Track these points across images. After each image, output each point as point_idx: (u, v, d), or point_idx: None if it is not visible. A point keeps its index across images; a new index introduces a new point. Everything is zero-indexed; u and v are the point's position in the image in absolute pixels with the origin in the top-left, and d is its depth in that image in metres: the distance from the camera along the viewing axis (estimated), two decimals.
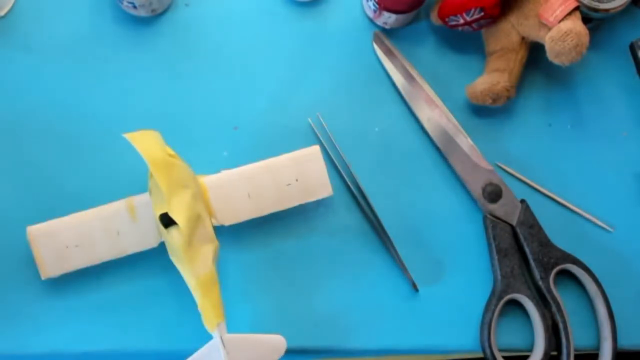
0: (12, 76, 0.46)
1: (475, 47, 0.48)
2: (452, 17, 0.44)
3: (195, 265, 0.37)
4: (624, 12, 0.45)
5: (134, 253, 0.41)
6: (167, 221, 0.37)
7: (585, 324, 0.45)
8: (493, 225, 0.44)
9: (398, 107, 0.47)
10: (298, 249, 0.44)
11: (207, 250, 0.38)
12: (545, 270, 0.44)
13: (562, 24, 0.41)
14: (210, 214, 0.41)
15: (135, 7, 0.46)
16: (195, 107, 0.46)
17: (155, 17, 0.48)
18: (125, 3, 0.45)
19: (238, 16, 0.48)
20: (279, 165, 0.42)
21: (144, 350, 0.43)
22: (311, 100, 0.47)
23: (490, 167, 0.46)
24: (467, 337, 0.44)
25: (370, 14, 0.48)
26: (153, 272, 0.43)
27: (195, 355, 0.38)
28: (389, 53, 0.47)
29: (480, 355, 0.43)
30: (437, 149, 0.46)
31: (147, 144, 0.38)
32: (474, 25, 0.44)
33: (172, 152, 0.40)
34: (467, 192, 0.46)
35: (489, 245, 0.45)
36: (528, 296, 0.43)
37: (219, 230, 0.41)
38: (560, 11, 0.41)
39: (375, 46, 0.48)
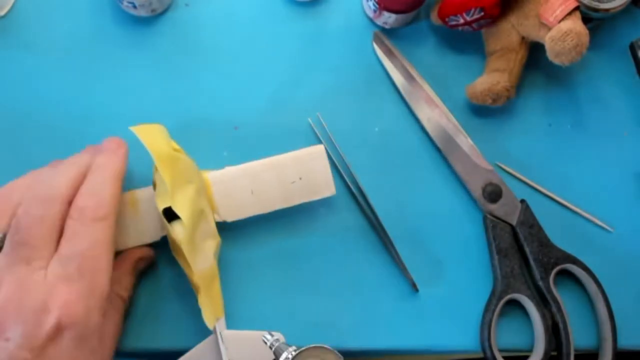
0: (12, 76, 0.46)
1: (475, 47, 0.48)
2: (452, 17, 0.44)
3: (196, 261, 0.37)
4: (624, 12, 0.45)
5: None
6: (170, 215, 0.37)
7: (585, 324, 0.45)
8: (493, 225, 0.44)
9: (398, 107, 0.47)
10: (298, 249, 0.44)
11: (209, 245, 0.38)
12: (545, 270, 0.44)
13: (562, 24, 0.41)
14: (213, 210, 0.41)
15: (135, 7, 0.46)
16: (195, 107, 0.46)
17: (155, 17, 0.48)
18: (125, 3, 0.45)
19: (238, 16, 0.48)
20: (283, 163, 0.42)
21: (143, 348, 0.42)
22: (311, 100, 0.47)
23: (490, 167, 0.46)
24: (467, 337, 0.44)
25: (370, 14, 0.48)
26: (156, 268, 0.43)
27: (193, 350, 0.38)
28: (389, 53, 0.47)
29: (480, 355, 0.43)
30: (437, 149, 0.46)
31: (152, 137, 0.38)
32: (474, 25, 0.44)
33: (177, 147, 0.40)
34: (467, 192, 0.46)
35: (489, 245, 0.45)
36: (528, 296, 0.43)
37: (220, 227, 0.41)
38: (560, 11, 0.41)
39: (375, 46, 0.48)
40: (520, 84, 0.47)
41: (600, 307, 0.44)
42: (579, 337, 0.43)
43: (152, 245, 0.41)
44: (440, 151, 0.46)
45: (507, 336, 0.44)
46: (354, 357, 0.44)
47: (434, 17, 0.47)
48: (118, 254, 0.40)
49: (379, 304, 0.44)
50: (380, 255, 0.45)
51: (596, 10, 0.45)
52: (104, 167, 0.37)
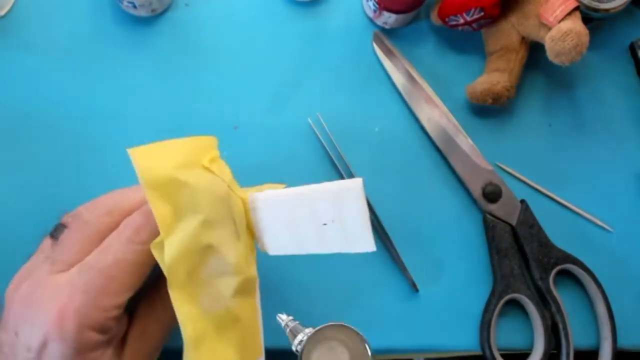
0: (12, 76, 0.46)
1: (475, 47, 0.48)
2: (452, 17, 0.44)
3: (199, 301, 0.32)
4: (624, 12, 0.45)
5: None
6: None
7: (585, 324, 0.45)
8: (493, 225, 0.44)
9: (398, 107, 0.47)
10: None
11: (224, 284, 0.32)
12: (545, 270, 0.44)
13: (562, 23, 0.41)
14: (255, 238, 0.34)
15: (135, 6, 0.46)
16: (195, 107, 0.46)
17: (155, 17, 0.48)
18: (125, 3, 0.45)
19: (238, 16, 0.48)
20: (314, 196, 0.32)
21: None
22: (311, 100, 0.47)
23: (490, 167, 0.46)
24: (466, 337, 0.44)
25: (370, 14, 0.48)
26: None
27: None
28: (389, 53, 0.47)
29: (480, 354, 0.43)
30: (437, 149, 0.46)
31: (152, 158, 0.32)
32: (474, 25, 0.44)
33: (208, 164, 0.33)
34: (467, 192, 0.46)
35: (489, 245, 0.45)
36: (528, 296, 0.43)
37: None
38: (560, 11, 0.41)
39: (375, 46, 0.48)
40: (520, 84, 0.47)
41: (600, 307, 0.44)
42: (578, 337, 0.43)
43: None
44: (440, 151, 0.46)
45: (506, 336, 0.44)
46: None
47: (434, 17, 0.47)
48: None
49: (379, 304, 0.44)
50: (380, 255, 0.45)
51: (596, 10, 0.45)
52: None
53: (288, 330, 0.31)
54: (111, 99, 0.46)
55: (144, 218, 0.33)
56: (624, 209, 0.47)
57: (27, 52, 0.46)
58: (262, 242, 0.34)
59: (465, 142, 0.46)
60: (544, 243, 0.44)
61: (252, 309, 0.34)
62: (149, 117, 0.46)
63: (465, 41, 0.48)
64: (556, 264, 0.44)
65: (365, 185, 0.45)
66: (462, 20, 0.44)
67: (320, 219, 0.32)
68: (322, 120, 0.46)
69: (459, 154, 0.46)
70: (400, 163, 0.46)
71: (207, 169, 0.33)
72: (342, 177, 0.45)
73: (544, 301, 0.43)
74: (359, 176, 0.45)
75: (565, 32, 0.40)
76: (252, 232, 0.34)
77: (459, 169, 0.46)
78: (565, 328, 0.43)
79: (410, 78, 0.47)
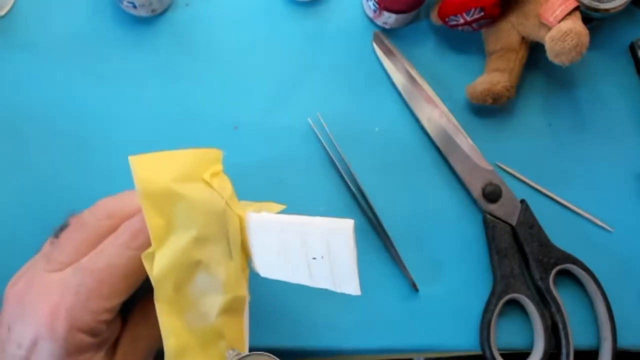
0: (12, 76, 0.46)
1: (476, 47, 0.48)
2: (452, 17, 0.44)
3: (183, 314, 0.32)
4: (624, 12, 0.45)
5: None
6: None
7: (585, 324, 0.45)
8: (493, 225, 0.44)
9: (398, 107, 0.47)
10: None
11: (212, 302, 0.32)
12: (545, 270, 0.44)
13: (562, 23, 0.41)
14: (249, 256, 0.34)
15: (135, 6, 0.46)
16: (195, 107, 0.46)
17: (155, 17, 0.48)
18: (125, 3, 0.45)
19: (238, 16, 0.48)
20: (305, 229, 0.31)
21: None
22: (311, 100, 0.47)
23: (490, 167, 0.46)
24: (467, 337, 0.44)
25: (370, 14, 0.48)
26: None
27: None
28: (389, 53, 0.47)
29: (480, 354, 0.43)
30: (437, 149, 0.46)
31: (152, 168, 0.31)
32: (474, 25, 0.44)
33: (209, 179, 0.33)
34: (467, 192, 0.46)
35: (489, 245, 0.45)
36: (528, 296, 0.43)
37: None
38: (560, 11, 0.41)
39: (375, 46, 0.48)
40: (520, 84, 0.47)
41: (600, 307, 0.44)
42: (578, 337, 0.43)
43: None
44: (440, 151, 0.46)
45: (506, 336, 0.44)
46: (354, 356, 0.45)
47: (434, 17, 0.47)
48: None
49: (379, 304, 0.44)
50: (380, 255, 0.45)
51: (596, 10, 0.45)
52: None
53: None
54: (111, 98, 0.46)
55: (142, 224, 0.32)
56: (624, 209, 0.47)
57: (27, 52, 0.46)
58: (254, 262, 0.34)
59: (465, 142, 0.46)
60: (544, 243, 0.44)
61: (239, 327, 0.34)
62: (149, 117, 0.46)
63: (465, 41, 0.48)
64: (556, 264, 0.44)
65: (365, 186, 0.45)
66: (462, 20, 0.44)
67: (310, 252, 0.31)
68: (322, 120, 0.46)
69: (459, 154, 0.46)
70: (400, 163, 0.46)
71: (207, 183, 0.33)
72: (342, 177, 0.45)
73: (544, 301, 0.43)
74: (359, 176, 0.45)
75: (565, 32, 0.40)
76: (246, 251, 0.33)
77: (459, 169, 0.46)
78: (565, 328, 0.43)
79: (410, 78, 0.47)
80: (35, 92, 0.46)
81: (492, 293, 0.44)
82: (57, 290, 0.31)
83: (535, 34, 0.43)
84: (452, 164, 0.46)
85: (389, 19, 0.47)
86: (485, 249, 0.45)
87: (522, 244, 0.44)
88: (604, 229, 0.46)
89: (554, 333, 0.43)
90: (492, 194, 0.45)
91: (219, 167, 0.34)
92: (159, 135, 0.46)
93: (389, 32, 0.48)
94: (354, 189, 0.45)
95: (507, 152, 0.47)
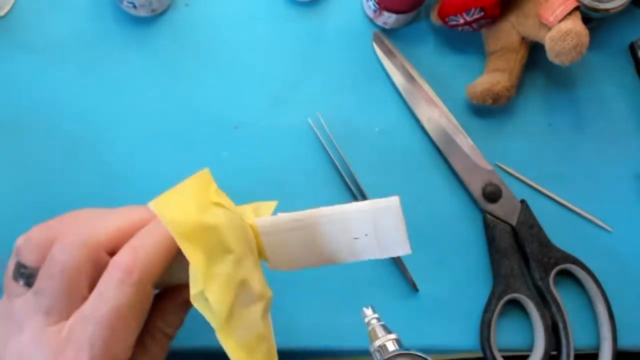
0: (12, 76, 0.46)
1: (476, 47, 0.48)
2: (452, 17, 0.44)
3: (236, 332, 0.32)
4: (624, 12, 0.45)
5: None
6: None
7: (585, 324, 0.45)
8: (493, 225, 0.44)
9: (398, 107, 0.47)
10: None
11: (254, 310, 0.33)
12: (545, 270, 0.44)
13: (562, 23, 0.41)
14: (263, 257, 0.35)
15: (135, 7, 0.46)
16: (195, 107, 0.46)
17: (155, 17, 0.48)
18: (125, 3, 0.45)
19: (238, 16, 0.48)
20: (348, 216, 0.34)
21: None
22: (311, 100, 0.47)
23: (490, 167, 0.46)
24: (467, 337, 0.44)
25: (370, 14, 0.48)
26: None
27: None
28: (389, 53, 0.47)
29: (480, 355, 0.43)
30: (437, 149, 0.46)
31: (174, 208, 0.31)
32: (474, 25, 0.44)
33: (217, 199, 0.33)
34: (467, 192, 0.46)
35: (489, 245, 0.45)
36: (528, 296, 0.43)
37: None
38: (560, 11, 0.41)
39: (375, 46, 0.48)
40: (520, 84, 0.47)
41: (600, 307, 0.44)
42: (578, 337, 0.43)
43: None
44: (440, 151, 0.46)
45: (507, 336, 0.44)
46: (354, 357, 0.44)
47: (434, 17, 0.47)
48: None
49: (379, 304, 0.44)
50: None
51: (596, 10, 0.45)
52: (162, 228, 0.32)
53: (370, 328, 0.32)
54: (111, 98, 0.46)
55: (132, 256, 0.31)
56: (624, 209, 0.47)
57: (27, 52, 0.46)
58: (271, 261, 0.35)
59: (465, 142, 0.46)
60: (544, 243, 0.44)
61: (270, 324, 0.34)
62: (149, 116, 0.46)
63: (465, 41, 0.48)
64: (556, 264, 0.44)
65: (365, 185, 0.45)
66: (462, 20, 0.44)
67: (351, 234, 0.34)
68: (322, 120, 0.46)
69: (459, 154, 0.46)
70: (400, 163, 0.46)
71: (218, 204, 0.33)
72: (342, 177, 0.45)
73: (544, 301, 0.43)
74: (359, 176, 0.45)
75: (565, 32, 0.40)
76: (262, 254, 0.35)
77: (459, 169, 0.46)
78: (565, 328, 0.43)
79: (410, 78, 0.47)
80: (35, 92, 0.46)
81: (492, 293, 0.44)
82: (72, 347, 0.30)
83: (535, 34, 0.43)
84: (452, 164, 0.46)
85: (389, 19, 0.47)
86: (485, 249, 0.45)
87: (522, 244, 0.44)
88: (603, 229, 0.46)
89: (554, 333, 0.43)
90: (492, 194, 0.45)
91: (214, 185, 0.34)
92: (158, 135, 0.46)
93: (389, 32, 0.48)
94: (354, 189, 0.45)
95: (507, 152, 0.47)
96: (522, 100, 0.48)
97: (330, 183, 0.45)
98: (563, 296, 0.44)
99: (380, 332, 0.32)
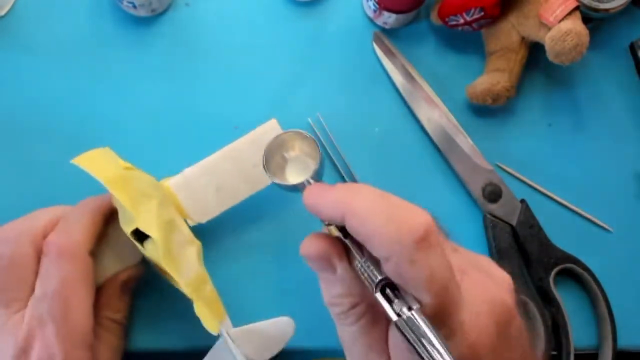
0: (12, 76, 0.46)
1: (475, 47, 0.48)
2: (452, 17, 0.44)
3: (181, 272, 0.36)
4: (624, 12, 0.45)
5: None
6: (140, 236, 0.36)
7: (585, 324, 0.45)
8: (493, 225, 0.44)
9: (398, 107, 0.47)
10: (298, 248, 0.44)
11: (190, 253, 0.37)
12: (546, 270, 0.44)
13: (562, 24, 0.41)
14: (185, 216, 0.40)
15: (135, 6, 0.46)
16: (195, 107, 0.46)
17: (155, 17, 0.48)
18: (125, 3, 0.45)
19: (238, 16, 0.48)
20: (238, 148, 0.40)
21: (145, 348, 0.43)
22: (311, 100, 0.47)
23: (490, 167, 0.46)
24: None
25: (370, 14, 0.48)
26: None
27: (205, 358, 0.37)
28: (389, 53, 0.47)
29: None
30: (437, 149, 0.46)
31: (97, 163, 0.37)
32: (474, 25, 0.44)
33: (127, 165, 0.39)
34: (467, 192, 0.46)
35: (489, 245, 0.45)
36: (528, 296, 0.43)
37: (217, 227, 0.41)
38: (560, 11, 0.41)
39: (375, 46, 0.48)
40: (520, 84, 0.47)
41: (600, 307, 0.44)
42: (579, 337, 0.43)
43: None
44: (440, 151, 0.46)
45: None
46: None
47: (434, 17, 0.47)
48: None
49: None
50: None
51: (596, 10, 0.45)
52: (83, 204, 0.37)
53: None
54: (111, 99, 0.46)
55: (60, 233, 0.35)
56: (623, 209, 0.47)
57: (27, 52, 0.46)
58: (193, 214, 0.40)
59: (465, 142, 0.46)
60: (544, 243, 0.44)
61: (206, 271, 0.38)
62: (149, 117, 0.46)
63: (465, 41, 0.48)
64: (556, 264, 0.44)
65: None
66: (462, 20, 0.44)
67: (249, 163, 0.40)
68: (322, 120, 0.46)
69: (459, 154, 0.46)
70: (400, 163, 0.46)
71: (129, 168, 0.38)
72: (342, 177, 0.45)
73: (545, 301, 0.43)
74: (359, 176, 0.45)
75: (565, 32, 0.40)
76: (182, 213, 0.39)
77: (459, 169, 0.46)
78: (565, 328, 0.43)
79: (410, 78, 0.47)
80: (35, 92, 0.46)
81: None
82: (33, 324, 0.32)
83: (535, 34, 0.43)
84: (452, 164, 0.46)
85: (389, 19, 0.47)
86: (485, 249, 0.45)
87: (522, 244, 0.44)
88: (603, 229, 0.46)
89: (554, 333, 0.43)
90: (492, 194, 0.45)
91: (121, 160, 0.39)
92: (158, 135, 0.46)
93: (389, 32, 0.48)
94: None
95: (507, 152, 0.47)
96: (522, 100, 0.48)
97: (330, 183, 0.45)
98: (563, 296, 0.44)
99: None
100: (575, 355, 0.43)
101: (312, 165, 0.31)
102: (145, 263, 0.40)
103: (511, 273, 0.43)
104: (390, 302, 0.25)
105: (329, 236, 0.29)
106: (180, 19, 0.48)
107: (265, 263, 0.44)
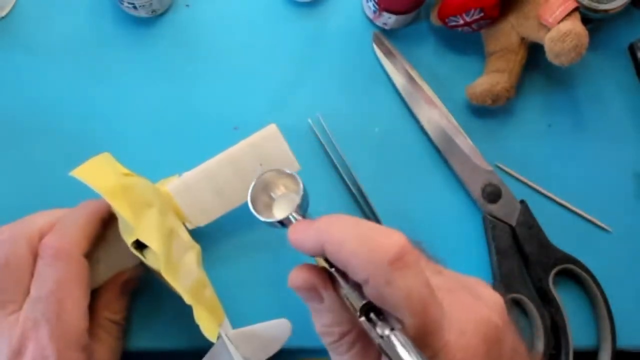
0: (13, 76, 0.46)
1: (475, 47, 0.48)
2: (451, 18, 0.44)
3: (179, 280, 0.36)
4: (623, 12, 0.45)
5: None
6: (140, 244, 0.36)
7: (585, 324, 0.45)
8: (492, 225, 0.45)
9: (398, 107, 0.47)
10: (294, 252, 0.44)
11: (189, 259, 0.37)
12: (545, 271, 0.44)
13: (561, 24, 0.41)
14: (183, 219, 0.40)
15: (135, 7, 0.46)
16: (195, 107, 0.46)
17: (155, 18, 0.48)
18: (125, 4, 0.45)
19: (238, 16, 0.48)
20: (238, 153, 0.40)
21: (145, 347, 0.43)
22: (311, 100, 0.47)
23: (489, 168, 0.46)
24: None
25: (370, 15, 0.48)
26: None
27: (204, 359, 0.38)
28: (388, 54, 0.47)
29: None
30: (437, 149, 0.46)
31: (96, 173, 0.37)
32: (473, 25, 0.45)
33: (126, 171, 0.39)
34: (467, 193, 0.46)
35: (489, 245, 0.45)
36: (528, 296, 0.43)
37: (215, 227, 0.41)
38: (560, 12, 0.41)
39: (375, 47, 0.48)
40: (520, 84, 0.47)
41: (599, 307, 0.44)
42: (578, 337, 0.43)
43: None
44: (440, 152, 0.46)
45: None
46: None
47: (434, 18, 0.47)
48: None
49: None
50: None
51: (596, 11, 0.45)
52: (81, 206, 0.37)
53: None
54: (111, 99, 0.46)
55: (56, 235, 0.35)
56: (623, 210, 0.47)
57: (27, 52, 0.46)
58: (192, 218, 0.40)
59: (465, 142, 0.46)
60: (544, 243, 0.44)
61: (205, 274, 0.39)
62: (149, 117, 0.46)
63: (465, 42, 0.48)
64: (556, 264, 0.44)
65: (365, 186, 0.45)
66: (461, 21, 0.44)
67: (248, 168, 0.39)
68: (322, 120, 0.46)
69: (459, 155, 0.46)
70: (400, 163, 0.46)
71: (128, 174, 0.38)
72: (342, 178, 0.45)
73: (544, 301, 0.44)
74: (359, 176, 0.45)
75: (565, 33, 0.40)
76: (181, 216, 0.40)
77: (458, 169, 0.46)
78: (565, 328, 0.43)
79: (410, 79, 0.47)
80: (35, 92, 0.46)
81: None
82: (28, 326, 0.33)
83: (534, 34, 0.43)
84: (452, 165, 0.46)
85: (388, 19, 0.47)
86: (485, 249, 0.45)
87: (522, 244, 0.44)
88: (603, 229, 0.46)
89: (554, 333, 0.43)
90: (492, 194, 0.45)
91: (119, 164, 0.39)
92: (158, 135, 0.46)
93: (388, 33, 0.48)
94: (353, 189, 0.45)
95: (507, 152, 0.47)
96: (522, 101, 0.48)
97: (330, 183, 0.45)
98: (563, 296, 0.44)
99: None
100: (575, 356, 0.43)
101: (297, 200, 0.31)
102: (144, 265, 0.40)
103: (511, 273, 0.44)
104: (375, 325, 0.25)
105: (315, 266, 0.29)
106: (181, 19, 0.48)
107: (263, 265, 0.44)
